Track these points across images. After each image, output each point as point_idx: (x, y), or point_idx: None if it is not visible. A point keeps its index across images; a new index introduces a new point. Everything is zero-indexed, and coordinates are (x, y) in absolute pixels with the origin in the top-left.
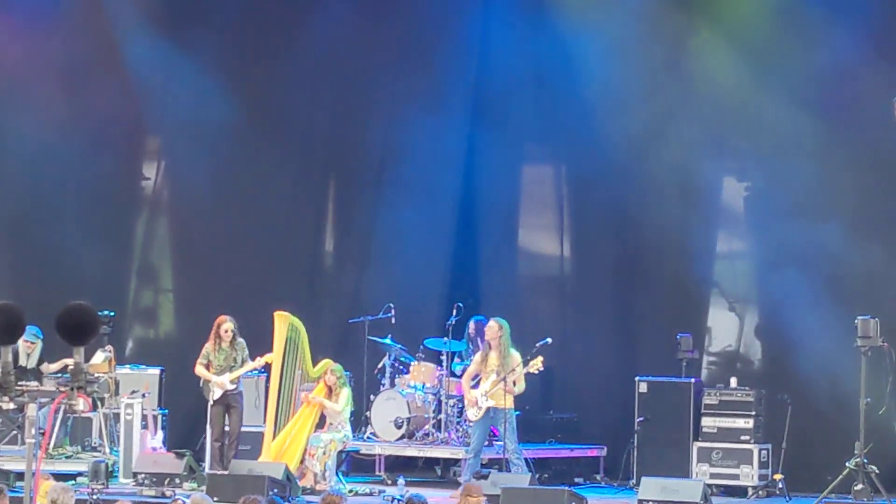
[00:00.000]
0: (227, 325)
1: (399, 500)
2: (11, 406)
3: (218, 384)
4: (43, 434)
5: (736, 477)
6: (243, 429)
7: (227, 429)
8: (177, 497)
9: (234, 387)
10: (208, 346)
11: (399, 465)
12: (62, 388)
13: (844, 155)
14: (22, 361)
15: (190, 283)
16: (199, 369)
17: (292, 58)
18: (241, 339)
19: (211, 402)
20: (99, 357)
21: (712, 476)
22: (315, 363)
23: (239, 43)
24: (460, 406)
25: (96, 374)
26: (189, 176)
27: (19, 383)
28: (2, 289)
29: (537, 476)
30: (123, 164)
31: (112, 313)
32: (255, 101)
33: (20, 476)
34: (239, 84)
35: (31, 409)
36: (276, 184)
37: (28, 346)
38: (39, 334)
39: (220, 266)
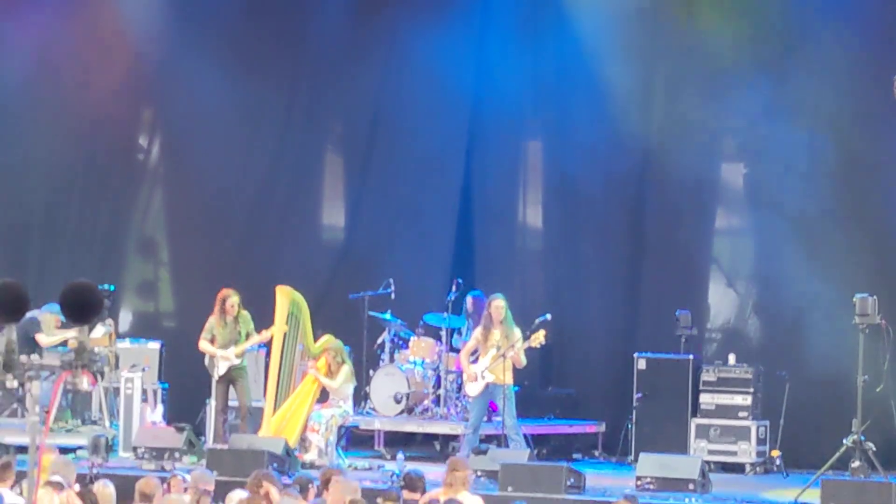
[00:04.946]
0: (232, 298)
1: (397, 475)
2: (16, 384)
3: (223, 358)
4: (47, 411)
5: (734, 453)
6: None
7: (230, 403)
8: (175, 472)
9: (239, 361)
10: (212, 321)
11: (398, 441)
12: (66, 366)
13: (844, 132)
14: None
15: (188, 257)
16: (204, 344)
17: (294, 31)
18: (245, 312)
19: (216, 378)
20: (99, 331)
21: (710, 452)
22: (316, 338)
23: (238, 14)
24: (459, 381)
25: (96, 349)
26: (186, 148)
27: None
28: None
29: (536, 452)
30: (119, 137)
31: (112, 287)
32: (255, 73)
33: (21, 449)
34: (238, 55)
35: (35, 387)
36: (276, 157)
37: (58, 323)
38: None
39: (219, 240)
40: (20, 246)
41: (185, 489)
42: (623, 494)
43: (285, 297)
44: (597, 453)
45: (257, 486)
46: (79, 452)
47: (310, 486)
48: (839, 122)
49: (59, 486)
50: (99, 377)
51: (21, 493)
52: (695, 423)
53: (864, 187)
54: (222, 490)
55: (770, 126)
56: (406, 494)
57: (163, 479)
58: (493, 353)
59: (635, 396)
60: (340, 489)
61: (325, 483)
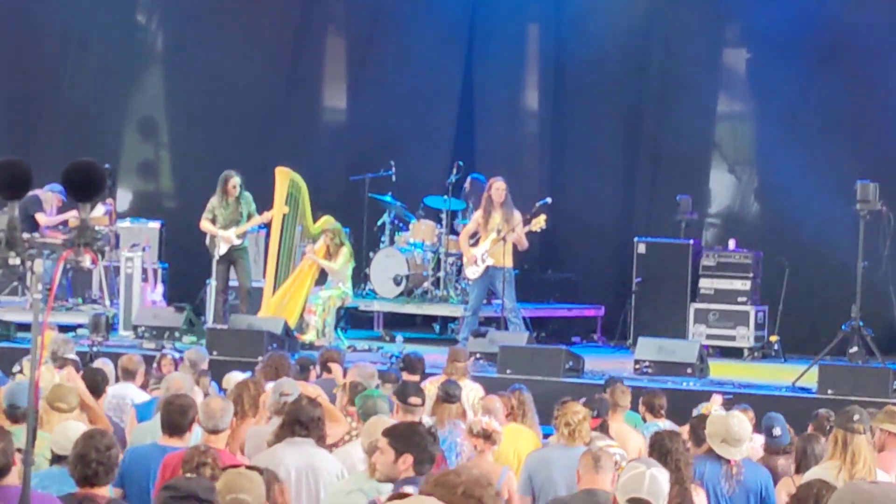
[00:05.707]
0: (234, 180)
1: (397, 357)
2: (18, 261)
3: (224, 238)
4: (49, 289)
5: (732, 338)
6: None
7: (231, 284)
8: (165, 352)
9: (240, 241)
10: (214, 201)
11: (397, 322)
12: (68, 244)
13: (846, 16)
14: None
15: (189, 138)
16: (205, 224)
17: None
18: (247, 193)
19: (216, 258)
20: (99, 210)
21: (708, 337)
22: (315, 220)
23: None
24: (459, 264)
25: (97, 227)
26: (186, 27)
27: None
28: (1, 143)
29: (535, 335)
30: (118, 14)
31: (110, 167)
32: None
33: (21, 327)
34: None
35: (38, 265)
36: (277, 38)
37: (59, 203)
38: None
39: (219, 120)
40: (21, 124)
41: (176, 367)
42: (608, 376)
43: (285, 179)
44: (595, 337)
45: (272, 367)
46: (79, 331)
47: (311, 367)
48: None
49: (74, 364)
50: (100, 256)
51: (22, 371)
52: (694, 307)
53: (868, 73)
54: (221, 370)
55: (774, 10)
56: (405, 376)
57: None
58: (494, 236)
59: (635, 281)
60: (357, 373)
61: (324, 364)
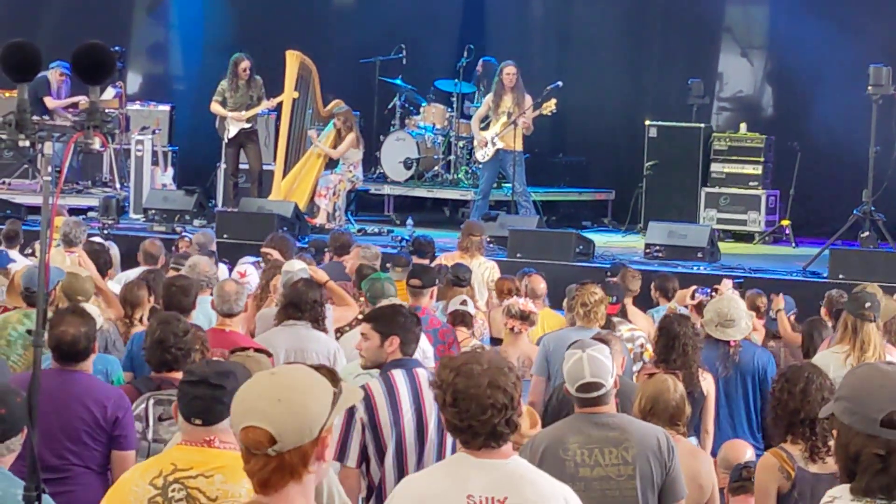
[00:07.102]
0: (244, 63)
1: (407, 240)
2: (27, 143)
3: (235, 120)
4: (59, 172)
5: (743, 222)
6: None
7: (241, 167)
8: (184, 234)
9: (250, 125)
10: (224, 84)
11: (408, 206)
12: (78, 127)
13: None
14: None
15: (199, 20)
16: (215, 107)
17: None
18: (258, 77)
19: (226, 140)
20: (109, 93)
21: (720, 221)
22: (325, 103)
23: None
24: (470, 147)
25: (107, 110)
26: None
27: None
28: (8, 25)
29: (545, 219)
30: None
31: (121, 49)
32: None
33: (31, 209)
34: None
35: (48, 148)
36: None
37: (62, 78)
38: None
39: (228, 2)
40: (28, 6)
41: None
42: (615, 260)
43: (295, 62)
44: (606, 221)
45: (276, 250)
46: (89, 213)
47: (326, 250)
48: None
49: (98, 246)
50: (110, 139)
51: (33, 254)
52: (705, 191)
53: None
54: (231, 253)
55: None
56: (415, 259)
57: (172, 241)
58: (504, 119)
59: (646, 164)
60: (361, 254)
61: (336, 248)
